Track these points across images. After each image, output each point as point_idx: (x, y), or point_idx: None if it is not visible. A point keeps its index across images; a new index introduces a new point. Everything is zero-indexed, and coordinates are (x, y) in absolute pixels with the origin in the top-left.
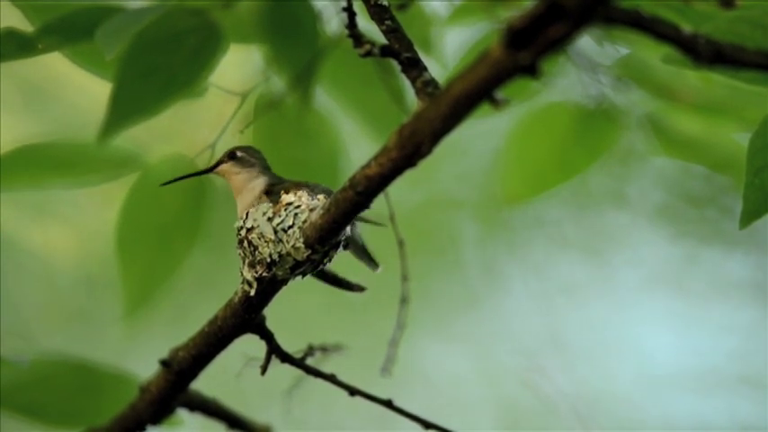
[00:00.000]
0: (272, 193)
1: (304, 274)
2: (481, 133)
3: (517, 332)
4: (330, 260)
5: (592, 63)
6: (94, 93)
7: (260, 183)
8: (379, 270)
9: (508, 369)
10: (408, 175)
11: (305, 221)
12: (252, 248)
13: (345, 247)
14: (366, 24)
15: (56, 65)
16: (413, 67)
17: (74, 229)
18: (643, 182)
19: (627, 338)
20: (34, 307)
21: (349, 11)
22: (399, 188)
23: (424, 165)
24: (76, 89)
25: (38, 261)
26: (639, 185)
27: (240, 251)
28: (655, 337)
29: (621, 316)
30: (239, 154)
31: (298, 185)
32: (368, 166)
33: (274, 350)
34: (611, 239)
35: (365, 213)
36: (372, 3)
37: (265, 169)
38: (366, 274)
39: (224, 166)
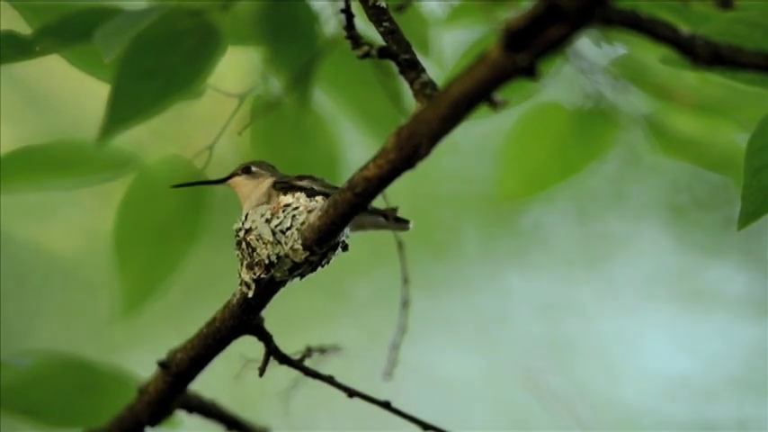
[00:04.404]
0: (281, 182)
1: (302, 276)
2: (483, 133)
3: (518, 334)
4: (328, 262)
5: (589, 63)
6: (93, 93)
7: (268, 182)
8: (411, 226)
9: (508, 371)
10: (408, 177)
11: (303, 223)
12: (250, 250)
13: (344, 249)
14: (364, 26)
15: (55, 66)
16: (411, 68)
17: (73, 228)
18: (645, 188)
19: (627, 342)
20: (34, 306)
21: (347, 12)
22: (398, 189)
23: (424, 166)
24: (75, 90)
25: (38, 260)
26: (641, 191)
27: (238, 253)
28: (655, 340)
29: (622, 320)
30: (253, 169)
31: (301, 178)
32: (366, 167)
33: (273, 352)
34: (612, 243)
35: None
36: (370, 4)
37: (274, 173)
38: (366, 275)
39: (236, 179)
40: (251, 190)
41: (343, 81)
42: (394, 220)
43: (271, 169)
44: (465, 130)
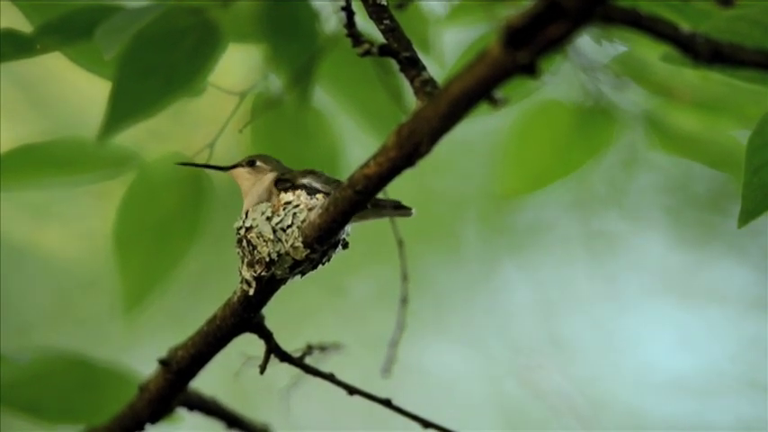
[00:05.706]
0: (282, 180)
1: (303, 274)
2: (484, 131)
3: (517, 332)
4: (329, 259)
5: (590, 61)
6: (93, 93)
7: (270, 177)
8: (414, 213)
9: (508, 368)
10: (408, 174)
11: (304, 221)
12: (251, 248)
13: (345, 247)
14: (364, 24)
15: (55, 65)
16: (411, 66)
17: (73, 227)
18: (645, 185)
19: (627, 340)
20: (34, 305)
21: (348, 10)
22: (399, 187)
23: (425, 163)
24: (75, 89)
25: (37, 260)
26: (641, 189)
27: (239, 250)
28: (655, 338)
29: (622, 318)
30: (258, 163)
31: (304, 174)
32: (366, 165)
33: (273, 349)
34: (612, 242)
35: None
36: (371, 2)
37: (278, 168)
38: (366, 273)
39: (240, 170)
40: (252, 184)
41: (344, 79)
42: (395, 208)
43: (275, 164)
44: (465, 127)
